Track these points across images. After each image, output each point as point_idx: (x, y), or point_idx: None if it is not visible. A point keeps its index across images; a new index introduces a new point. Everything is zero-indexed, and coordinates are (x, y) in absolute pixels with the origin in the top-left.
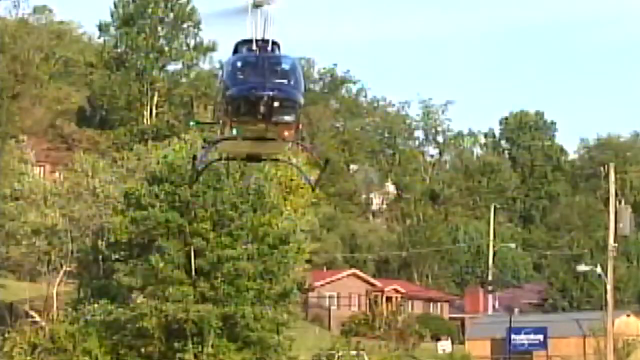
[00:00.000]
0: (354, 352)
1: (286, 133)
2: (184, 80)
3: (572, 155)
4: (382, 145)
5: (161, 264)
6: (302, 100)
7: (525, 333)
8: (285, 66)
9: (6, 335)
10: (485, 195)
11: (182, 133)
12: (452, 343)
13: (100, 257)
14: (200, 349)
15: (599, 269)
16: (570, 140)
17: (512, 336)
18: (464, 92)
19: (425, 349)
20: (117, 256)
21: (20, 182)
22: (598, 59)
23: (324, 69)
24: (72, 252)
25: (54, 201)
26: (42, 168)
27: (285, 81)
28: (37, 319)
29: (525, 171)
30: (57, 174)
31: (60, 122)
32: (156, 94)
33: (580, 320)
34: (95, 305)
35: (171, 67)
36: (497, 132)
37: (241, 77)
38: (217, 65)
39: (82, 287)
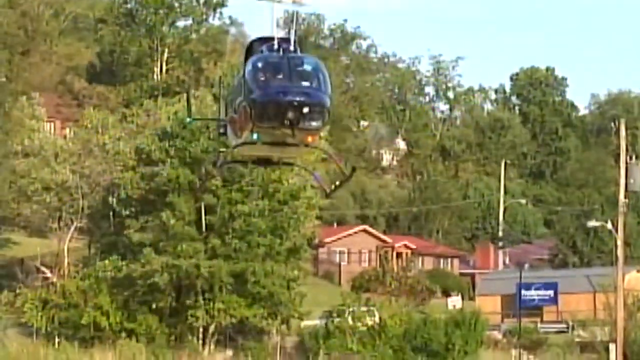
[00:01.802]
0: (364, 308)
1: (310, 139)
2: (193, 36)
3: (582, 111)
4: (392, 102)
5: (172, 221)
6: (329, 104)
7: (536, 289)
8: (311, 67)
9: (17, 291)
10: (495, 151)
11: (192, 89)
12: (463, 299)
13: (111, 213)
14: (211, 305)
15: (609, 225)
16: (580, 96)
17: (523, 292)
18: (475, 48)
19: (436, 304)
20: (127, 212)
21: (31, 138)
22: (609, 14)
23: (334, 25)
24: (82, 209)
25: (65, 157)
26: (52, 124)
27: (313, 84)
28: (48, 275)
29: (536, 127)
30: (67, 131)
31: (70, 79)
32: (166, 50)
33: (590, 275)
34: (106, 261)
35: (181, 23)
36: (507, 88)
37: (266, 79)
38: (227, 22)
39: (92, 243)
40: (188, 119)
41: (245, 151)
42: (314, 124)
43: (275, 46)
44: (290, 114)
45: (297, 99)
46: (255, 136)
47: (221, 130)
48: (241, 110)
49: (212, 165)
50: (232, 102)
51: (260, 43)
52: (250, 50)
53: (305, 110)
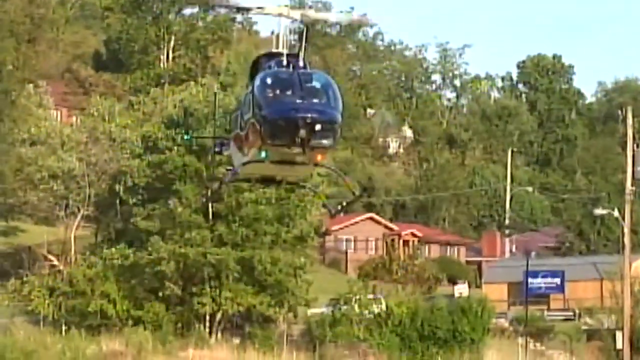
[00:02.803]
0: (370, 296)
1: (320, 157)
2: (200, 24)
3: (589, 99)
4: (399, 89)
5: (179, 208)
6: (341, 121)
7: (542, 276)
8: (322, 84)
9: (24, 278)
10: (502, 138)
11: (198, 77)
12: (469, 287)
13: (118, 201)
14: (217, 293)
15: (616, 212)
16: (587, 84)
17: (529, 280)
18: (481, 36)
19: (442, 292)
20: (134, 200)
21: (38, 126)
22: (616, 1)
23: (340, 12)
24: (89, 196)
25: (71, 145)
26: (59, 112)
27: (324, 101)
28: (55, 262)
29: (543, 114)
30: (74, 119)
31: (77, 66)
32: (172, 37)
33: (597, 263)
34: (113, 249)
35: (187, 11)
36: (514, 76)
37: (276, 96)
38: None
39: (99, 231)
40: (186, 136)
41: (250, 169)
42: (325, 142)
43: (284, 62)
44: (302, 132)
45: (309, 116)
46: (263, 154)
47: (216, 149)
48: (249, 127)
49: (219, 184)
50: (237, 119)
51: (267, 58)
52: (256, 65)
53: (318, 127)
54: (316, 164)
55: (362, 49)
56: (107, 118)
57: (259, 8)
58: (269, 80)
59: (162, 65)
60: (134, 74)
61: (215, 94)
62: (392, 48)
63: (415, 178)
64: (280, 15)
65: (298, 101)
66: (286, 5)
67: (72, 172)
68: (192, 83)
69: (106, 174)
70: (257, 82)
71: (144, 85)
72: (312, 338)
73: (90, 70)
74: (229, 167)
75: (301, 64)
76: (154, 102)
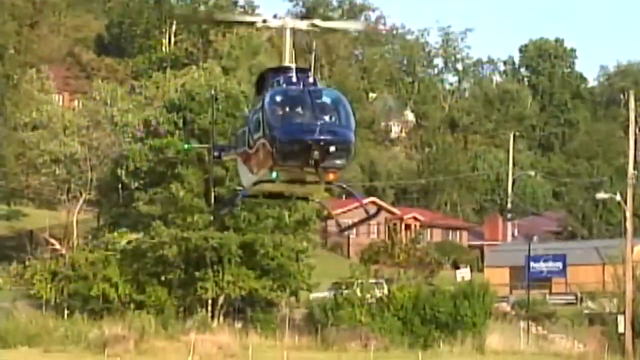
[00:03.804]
0: (372, 280)
1: (332, 177)
2: (202, 7)
3: (591, 83)
4: (401, 73)
5: (181, 192)
6: (355, 140)
7: (544, 261)
8: (333, 101)
9: (26, 262)
10: (504, 123)
11: (200, 61)
12: (471, 271)
13: (120, 185)
14: (220, 277)
15: (618, 197)
16: (590, 68)
17: (531, 264)
18: (484, 20)
19: (444, 276)
20: (136, 184)
21: (40, 111)
22: None
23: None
24: (91, 180)
25: (73, 130)
26: (60, 96)
27: (337, 120)
28: (57, 246)
29: (545, 99)
30: (75, 103)
31: (79, 51)
32: (174, 22)
33: (599, 247)
34: (115, 233)
35: None
36: (516, 60)
37: (287, 116)
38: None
39: (101, 215)
40: (186, 146)
41: (260, 188)
42: (338, 162)
43: (294, 78)
44: (315, 154)
45: (323, 137)
46: (274, 174)
47: (215, 154)
48: (259, 147)
49: (231, 204)
50: (243, 136)
51: (274, 73)
52: (262, 80)
53: (332, 149)
54: (328, 183)
55: (364, 33)
56: (109, 102)
57: (263, 22)
58: (278, 98)
59: (163, 49)
60: (136, 58)
61: (213, 96)
62: (394, 32)
63: (417, 162)
64: (285, 27)
65: (310, 121)
66: (291, 17)
67: (74, 156)
68: (194, 67)
69: (108, 158)
70: (267, 100)
71: (146, 69)
72: (314, 322)
73: (92, 54)
74: (237, 188)
75: (311, 80)
76: (156, 86)
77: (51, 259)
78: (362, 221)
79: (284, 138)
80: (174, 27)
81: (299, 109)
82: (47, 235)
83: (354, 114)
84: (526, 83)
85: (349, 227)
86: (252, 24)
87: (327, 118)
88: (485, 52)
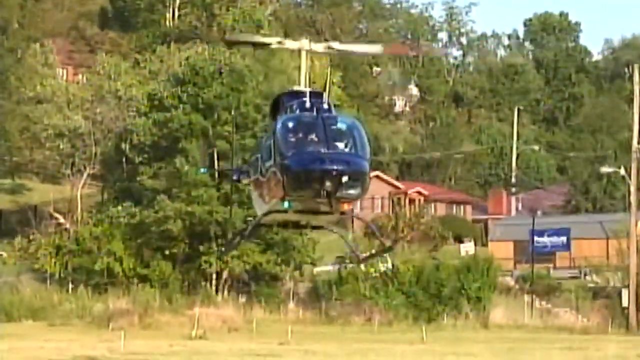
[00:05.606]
0: None
1: (346, 206)
2: None
3: (596, 57)
4: None
5: (185, 167)
6: (369, 169)
7: (548, 235)
8: (347, 128)
9: (31, 237)
10: (508, 97)
11: (204, 35)
12: (475, 245)
13: (124, 159)
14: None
15: (622, 171)
16: (594, 41)
17: (535, 238)
18: None
19: (448, 250)
20: (140, 159)
21: (43, 85)
22: None
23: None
24: (95, 155)
25: (77, 104)
26: (64, 71)
27: (352, 149)
28: (62, 221)
29: (549, 73)
30: (79, 77)
31: (83, 24)
32: None
33: (603, 222)
34: (119, 207)
35: None
36: (520, 34)
37: (299, 145)
38: None
39: (106, 190)
40: (203, 170)
41: (272, 218)
42: (352, 192)
43: (307, 104)
44: (327, 185)
45: (336, 167)
46: (286, 204)
47: (234, 177)
48: (271, 176)
49: (240, 237)
50: (256, 162)
51: (288, 97)
52: (277, 104)
53: (345, 179)
54: (342, 213)
55: (368, 7)
56: (113, 76)
57: (278, 43)
58: (290, 125)
59: (168, 23)
60: (140, 32)
61: (233, 117)
62: (399, 6)
63: (421, 136)
64: (301, 49)
65: (323, 150)
66: (308, 39)
67: (78, 130)
68: (198, 41)
69: (112, 132)
70: (279, 126)
71: (150, 44)
72: (318, 296)
73: (96, 28)
74: (249, 218)
75: (325, 106)
76: (160, 60)
77: (55, 233)
78: (377, 253)
79: (295, 167)
80: (177, 1)
81: (312, 137)
82: (52, 209)
83: (369, 141)
84: (530, 57)
85: (366, 259)
86: (268, 45)
87: (340, 146)
88: (489, 26)
